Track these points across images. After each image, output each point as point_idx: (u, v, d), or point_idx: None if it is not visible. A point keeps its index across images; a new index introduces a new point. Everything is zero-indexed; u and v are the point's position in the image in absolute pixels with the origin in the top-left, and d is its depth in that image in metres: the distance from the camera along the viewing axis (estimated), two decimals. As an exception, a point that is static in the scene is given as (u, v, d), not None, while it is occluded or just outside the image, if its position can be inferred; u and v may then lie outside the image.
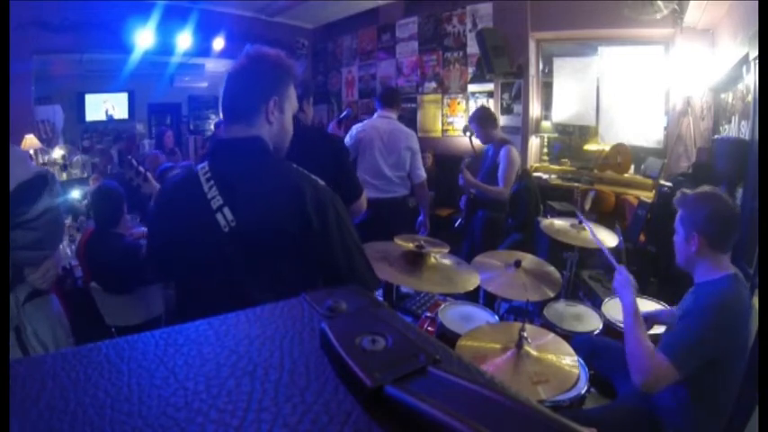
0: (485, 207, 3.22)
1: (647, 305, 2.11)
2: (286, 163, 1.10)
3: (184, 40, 5.09)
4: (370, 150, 2.81)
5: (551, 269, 2.06)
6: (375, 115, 2.93)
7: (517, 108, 4.54)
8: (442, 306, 2.12)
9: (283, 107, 1.11)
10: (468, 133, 3.27)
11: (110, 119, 6.58)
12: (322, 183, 1.07)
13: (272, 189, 1.03)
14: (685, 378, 1.32)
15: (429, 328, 2.07)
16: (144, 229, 2.57)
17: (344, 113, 3.11)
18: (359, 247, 1.10)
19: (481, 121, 3.12)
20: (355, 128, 2.90)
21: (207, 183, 1.03)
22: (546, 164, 4.65)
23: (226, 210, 1.00)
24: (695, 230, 1.41)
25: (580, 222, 2.34)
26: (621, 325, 1.93)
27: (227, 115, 1.12)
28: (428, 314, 2.21)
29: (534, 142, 4.63)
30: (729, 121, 2.94)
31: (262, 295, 0.99)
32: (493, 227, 3.28)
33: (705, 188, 1.48)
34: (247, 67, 1.10)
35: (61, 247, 2.24)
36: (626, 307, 1.49)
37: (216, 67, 6.40)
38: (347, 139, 2.79)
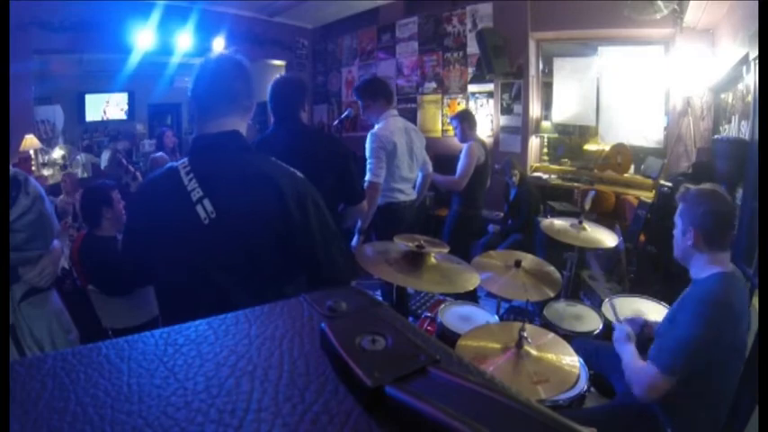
0: (457, 203, 3.34)
1: (647, 305, 2.11)
2: (263, 155, 1.12)
3: (184, 40, 5.08)
4: (401, 154, 2.59)
5: (551, 269, 2.06)
6: (390, 116, 2.61)
7: (517, 108, 4.54)
8: (442, 306, 2.12)
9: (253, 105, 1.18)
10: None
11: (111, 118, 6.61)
12: (300, 174, 1.09)
13: (251, 181, 1.05)
14: (684, 382, 1.33)
15: (429, 328, 2.07)
16: None
17: (345, 113, 3.11)
18: (337, 238, 1.14)
19: (462, 120, 3.34)
20: (384, 131, 2.53)
21: (187, 176, 1.04)
22: (546, 164, 4.65)
23: (206, 201, 1.01)
24: (692, 225, 1.43)
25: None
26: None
27: (204, 112, 1.14)
28: (428, 314, 2.21)
29: (534, 142, 4.63)
30: (729, 121, 2.94)
31: (238, 288, 1.00)
32: (463, 223, 3.32)
33: (707, 185, 1.50)
34: (222, 68, 1.14)
35: (61, 246, 2.23)
36: (625, 356, 1.52)
37: (216, 67, 6.39)
38: (376, 144, 2.49)
